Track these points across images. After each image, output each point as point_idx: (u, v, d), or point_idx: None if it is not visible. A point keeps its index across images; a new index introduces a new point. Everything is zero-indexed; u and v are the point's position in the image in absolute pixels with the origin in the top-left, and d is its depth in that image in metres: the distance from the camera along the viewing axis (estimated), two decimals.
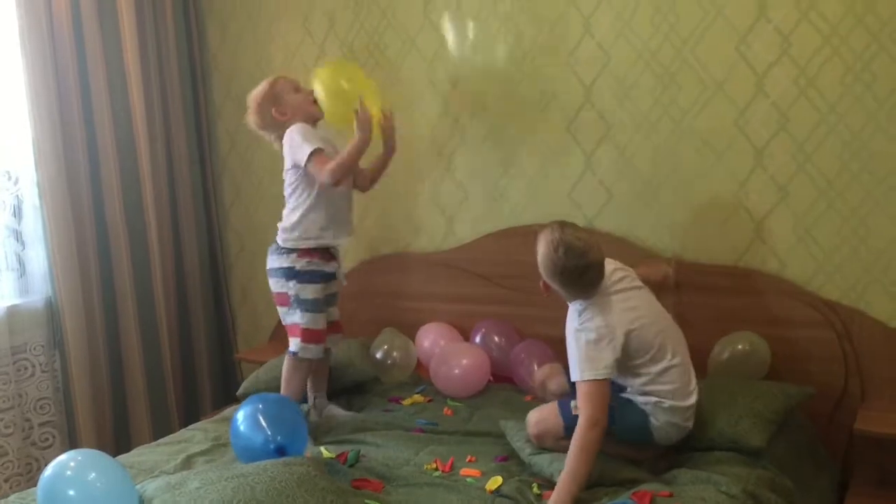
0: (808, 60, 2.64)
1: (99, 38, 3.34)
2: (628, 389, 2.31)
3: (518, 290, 3.15)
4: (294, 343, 2.73)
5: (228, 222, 4.01)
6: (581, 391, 2.20)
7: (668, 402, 2.25)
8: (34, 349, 3.24)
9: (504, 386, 3.07)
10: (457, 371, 2.98)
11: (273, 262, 2.77)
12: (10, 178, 3.19)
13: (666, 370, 2.26)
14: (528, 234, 3.10)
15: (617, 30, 2.93)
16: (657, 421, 2.27)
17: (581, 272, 2.22)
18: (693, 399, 2.29)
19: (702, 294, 2.82)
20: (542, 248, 2.27)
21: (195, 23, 3.81)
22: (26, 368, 3.22)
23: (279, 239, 2.77)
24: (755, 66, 2.73)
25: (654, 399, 2.26)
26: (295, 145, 2.66)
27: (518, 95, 3.17)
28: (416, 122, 3.34)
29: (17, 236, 3.23)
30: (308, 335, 2.71)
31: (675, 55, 2.85)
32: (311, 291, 2.72)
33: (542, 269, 2.29)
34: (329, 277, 2.77)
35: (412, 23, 3.34)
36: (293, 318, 2.74)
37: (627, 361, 2.25)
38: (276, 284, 2.77)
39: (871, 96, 2.57)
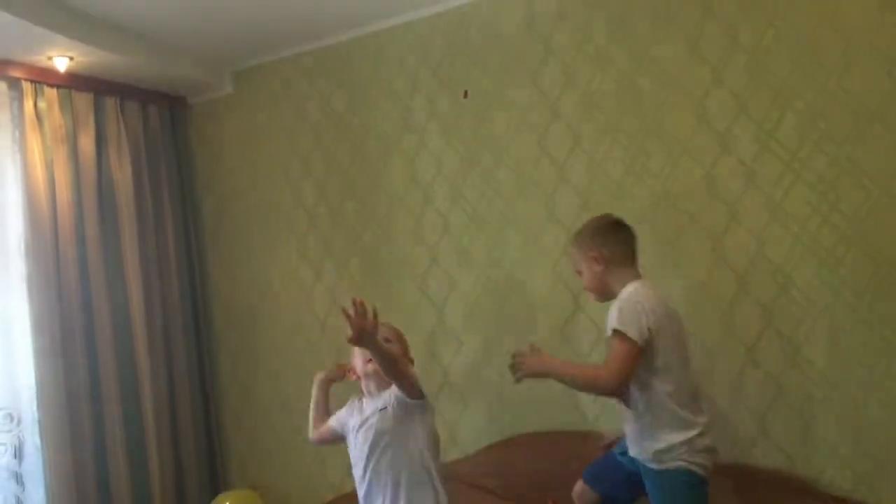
0: (784, 259, 2.75)
1: (103, 274, 3.48)
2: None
3: (530, 502, 3.08)
4: None
5: (231, 451, 3.97)
6: (614, 346, 2.25)
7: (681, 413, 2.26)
8: None
9: None
10: None
11: None
12: (11, 420, 3.21)
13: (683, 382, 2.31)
14: (531, 442, 3.14)
15: None
16: (690, 458, 2.25)
17: (617, 226, 2.44)
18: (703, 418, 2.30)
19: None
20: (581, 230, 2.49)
21: (196, 252, 3.99)
22: None
23: None
24: (734, 267, 2.83)
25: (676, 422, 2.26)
26: None
27: (509, 305, 3.26)
28: (411, 338, 3.39)
29: (18, 478, 3.20)
30: None
31: (658, 260, 2.96)
32: None
33: (583, 242, 2.45)
34: None
35: (405, 241, 3.50)
36: None
37: (654, 360, 2.26)
38: None
39: (849, 290, 2.65)
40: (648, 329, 2.24)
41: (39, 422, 3.19)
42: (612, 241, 2.41)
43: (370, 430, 2.55)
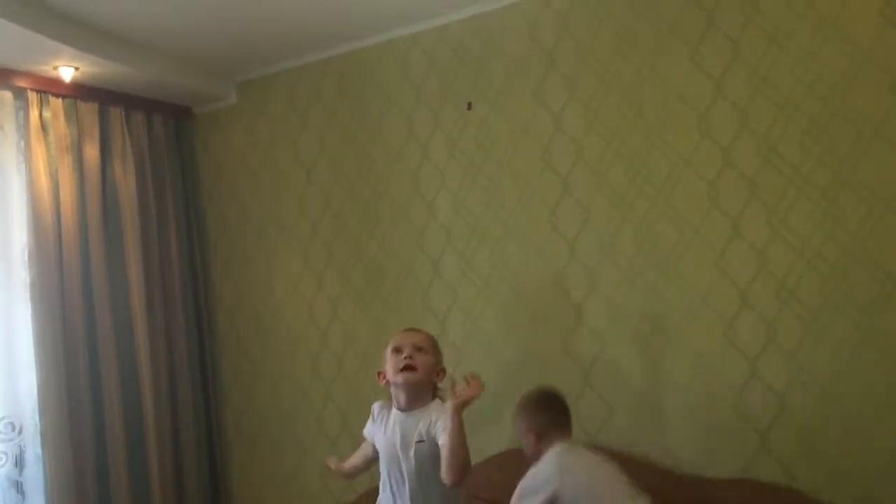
0: (787, 273, 2.75)
1: (106, 282, 3.48)
2: None
3: None
4: None
5: (232, 460, 3.96)
6: None
7: None
8: None
9: None
10: None
11: None
12: (13, 429, 3.21)
13: None
14: None
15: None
16: None
17: (548, 399, 2.58)
18: None
19: None
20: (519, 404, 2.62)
21: (199, 261, 3.99)
22: None
23: None
24: (736, 281, 2.83)
25: None
26: None
27: (512, 317, 3.26)
28: None
29: (18, 487, 3.20)
30: None
31: (659, 273, 2.96)
32: None
33: (520, 416, 2.61)
34: None
35: (408, 252, 3.50)
36: None
37: None
38: None
39: (853, 306, 2.65)
40: (547, 494, 2.38)
41: (41, 431, 3.20)
42: (543, 414, 2.59)
43: (407, 448, 2.48)
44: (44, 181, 3.32)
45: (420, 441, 2.46)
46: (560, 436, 2.54)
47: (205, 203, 4.10)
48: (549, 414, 2.58)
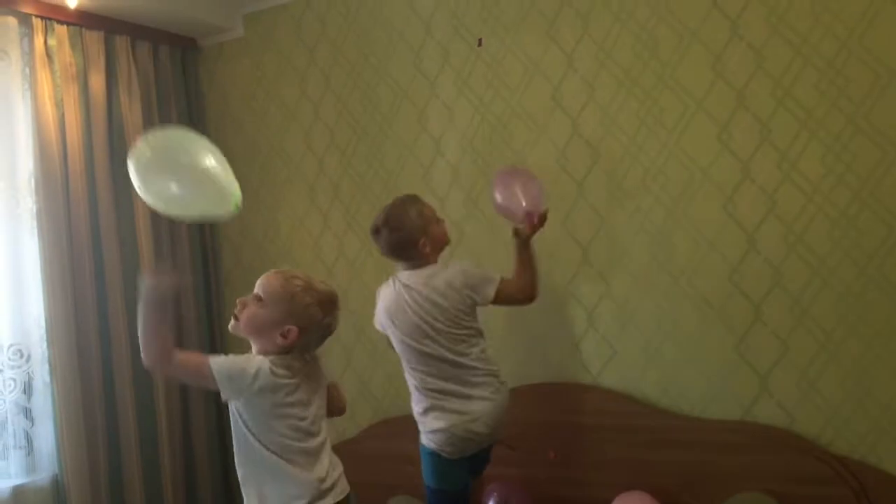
0: (795, 218, 2.73)
1: (113, 213, 3.49)
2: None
3: (530, 452, 3.12)
4: None
5: None
6: None
7: None
8: None
9: None
10: None
11: None
12: (21, 356, 3.24)
13: None
14: (535, 393, 3.16)
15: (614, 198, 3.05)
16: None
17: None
18: None
19: (708, 451, 2.78)
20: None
21: None
22: None
23: None
24: (744, 225, 2.81)
25: None
26: None
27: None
28: None
29: (27, 413, 3.24)
30: None
31: (667, 215, 2.95)
32: None
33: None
34: None
35: (412, 191, 3.46)
36: None
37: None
38: None
39: (860, 251, 2.64)
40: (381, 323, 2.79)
41: (48, 358, 3.23)
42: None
43: None
44: (49, 110, 3.29)
45: None
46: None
47: (210, 136, 4.04)
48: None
